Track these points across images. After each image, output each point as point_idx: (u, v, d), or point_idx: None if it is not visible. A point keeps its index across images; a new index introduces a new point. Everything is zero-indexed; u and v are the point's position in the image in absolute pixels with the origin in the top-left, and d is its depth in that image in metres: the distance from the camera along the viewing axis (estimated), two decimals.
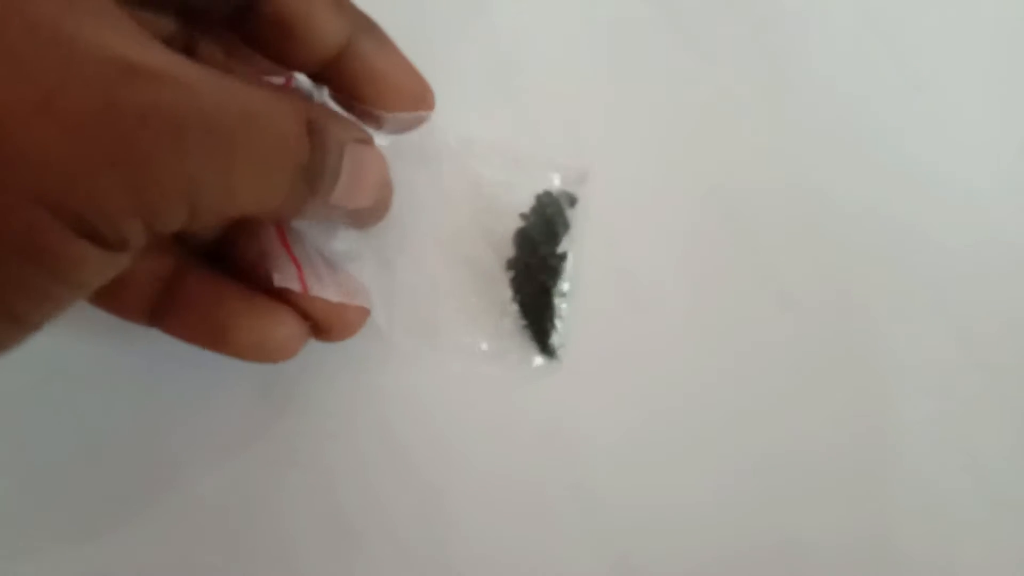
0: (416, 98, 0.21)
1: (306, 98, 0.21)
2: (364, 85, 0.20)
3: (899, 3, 0.29)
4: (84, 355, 0.25)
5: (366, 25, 0.20)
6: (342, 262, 0.24)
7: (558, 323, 0.25)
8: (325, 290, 0.22)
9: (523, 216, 0.26)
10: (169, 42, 0.19)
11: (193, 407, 0.25)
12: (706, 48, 0.28)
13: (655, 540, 0.25)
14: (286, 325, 0.21)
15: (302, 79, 0.21)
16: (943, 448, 0.26)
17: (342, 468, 0.25)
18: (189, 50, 0.21)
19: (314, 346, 0.22)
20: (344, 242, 0.24)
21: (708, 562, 0.25)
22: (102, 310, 0.21)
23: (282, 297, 0.21)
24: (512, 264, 0.26)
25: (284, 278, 0.21)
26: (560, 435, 0.25)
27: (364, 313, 0.23)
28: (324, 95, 0.21)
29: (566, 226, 0.26)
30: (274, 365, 0.21)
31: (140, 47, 0.14)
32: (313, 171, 0.18)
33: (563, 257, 0.26)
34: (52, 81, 0.13)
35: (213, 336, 0.21)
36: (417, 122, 0.22)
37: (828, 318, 0.26)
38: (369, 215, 0.24)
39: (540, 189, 0.26)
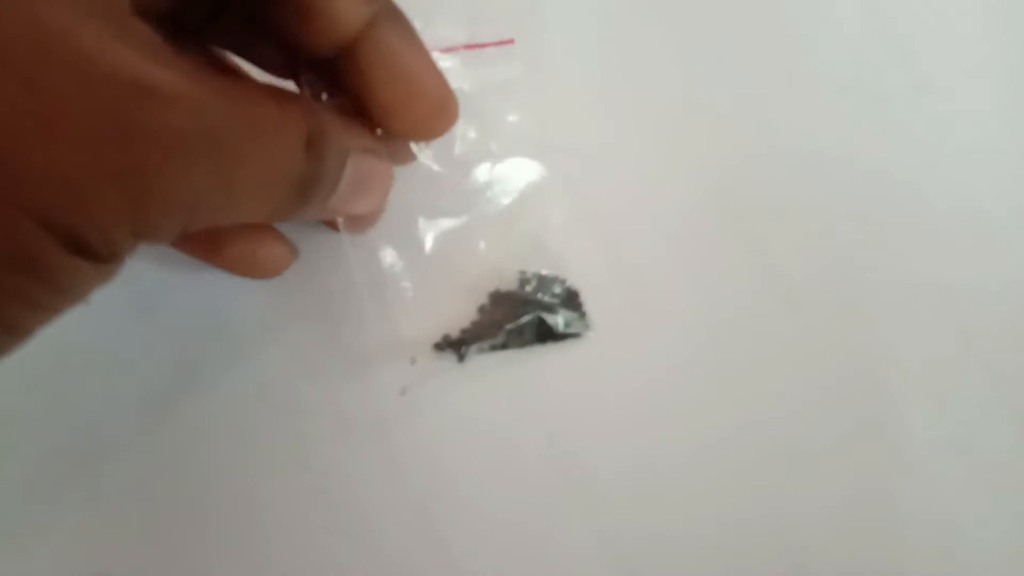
0: (436, 104, 0.20)
1: (312, 102, 0.20)
2: (379, 81, 0.19)
3: (904, 8, 0.29)
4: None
5: (392, 12, 0.19)
6: None
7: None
8: None
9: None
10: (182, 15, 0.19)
11: (194, 409, 0.24)
12: (715, 47, 0.28)
13: (654, 536, 0.25)
14: (274, 246, 0.23)
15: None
16: (945, 448, 0.25)
17: (342, 468, 0.24)
18: (207, 26, 0.20)
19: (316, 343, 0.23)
20: None
21: (708, 551, 0.25)
22: None
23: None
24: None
25: None
26: (560, 431, 0.25)
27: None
28: None
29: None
30: (277, 366, 0.23)
31: (152, 62, 0.14)
32: (307, 182, 0.18)
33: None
34: (61, 98, 0.13)
35: (209, 250, 0.23)
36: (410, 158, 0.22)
37: (832, 318, 0.26)
38: (361, 220, 0.24)
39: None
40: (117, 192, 0.14)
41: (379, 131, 0.21)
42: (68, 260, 0.14)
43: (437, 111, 0.20)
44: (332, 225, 0.24)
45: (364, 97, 0.20)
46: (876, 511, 0.25)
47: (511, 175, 0.26)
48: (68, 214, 0.13)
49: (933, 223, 0.27)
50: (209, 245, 0.23)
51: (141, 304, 0.25)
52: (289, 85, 0.22)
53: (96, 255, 0.14)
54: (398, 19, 0.19)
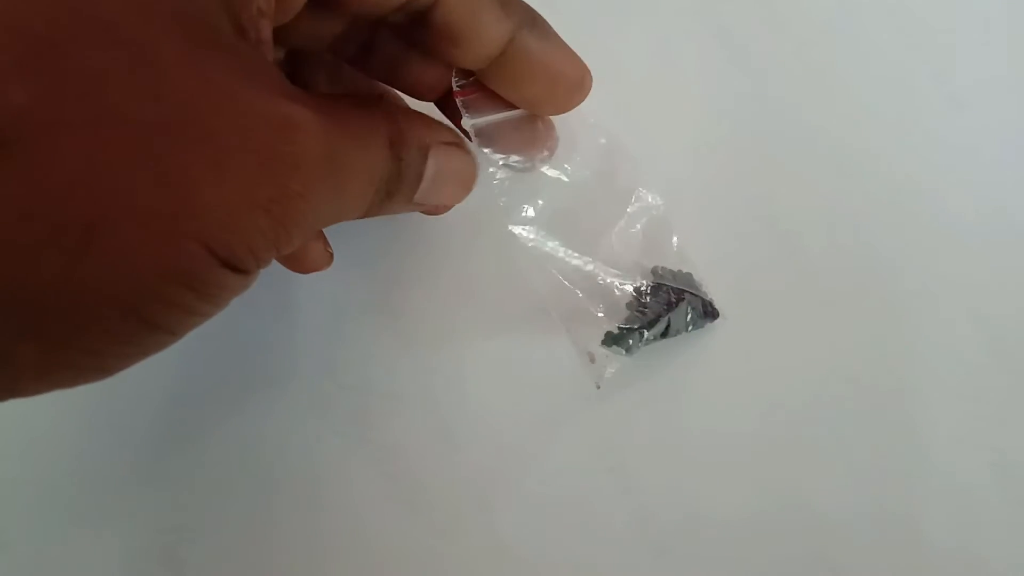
0: (573, 85, 0.22)
1: (390, 104, 0.22)
2: (525, 81, 0.21)
3: (939, 24, 0.31)
4: None
5: (530, 19, 0.21)
6: None
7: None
8: None
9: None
10: (347, 39, 0.22)
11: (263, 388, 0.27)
12: (753, 64, 0.31)
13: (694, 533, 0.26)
14: (320, 245, 0.25)
15: None
16: (969, 446, 0.27)
17: (402, 445, 0.27)
18: (368, 45, 0.23)
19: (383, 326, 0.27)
20: None
21: (740, 540, 0.26)
22: None
23: None
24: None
25: None
26: (601, 422, 0.27)
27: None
28: None
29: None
30: (341, 348, 0.27)
31: (290, 99, 0.16)
32: (392, 181, 0.20)
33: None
34: (228, 144, 0.15)
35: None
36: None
37: (862, 320, 0.28)
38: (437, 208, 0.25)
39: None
40: (268, 217, 0.16)
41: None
42: (222, 275, 0.16)
43: (575, 90, 0.22)
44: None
45: (511, 93, 0.22)
46: (903, 505, 0.27)
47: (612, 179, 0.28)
48: (229, 239, 0.15)
49: (961, 230, 0.29)
50: None
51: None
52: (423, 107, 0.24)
53: (244, 270, 0.16)
54: (535, 22, 0.21)
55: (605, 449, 0.27)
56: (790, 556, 0.26)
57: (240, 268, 0.16)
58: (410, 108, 0.23)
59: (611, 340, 0.26)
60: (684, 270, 0.28)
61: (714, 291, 0.28)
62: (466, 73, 0.22)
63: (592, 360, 0.25)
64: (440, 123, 0.22)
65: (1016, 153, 0.30)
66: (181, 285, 0.15)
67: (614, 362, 0.25)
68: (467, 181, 0.23)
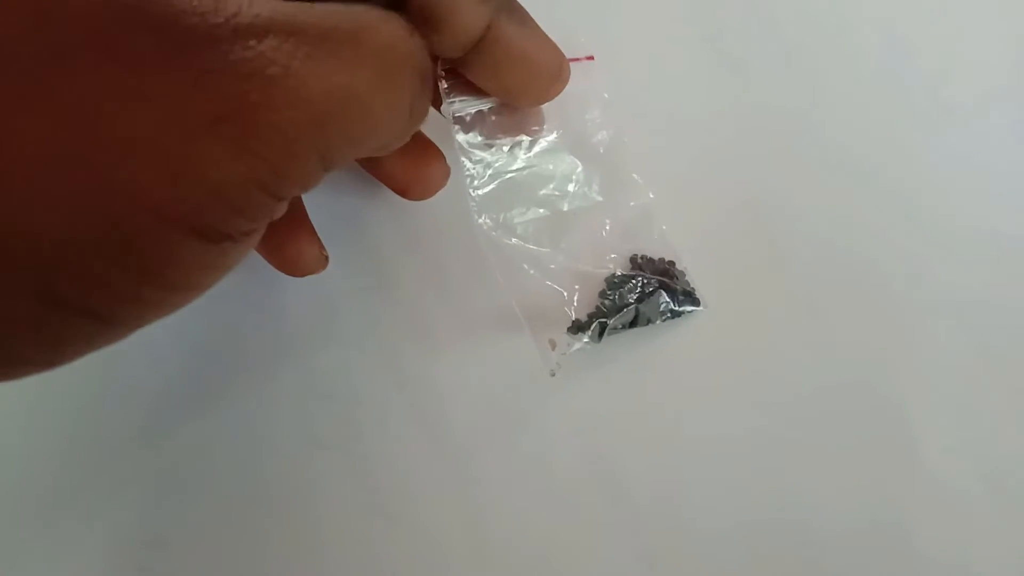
0: (551, 73, 0.22)
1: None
2: (503, 69, 0.21)
3: (929, 33, 0.31)
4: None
5: (508, 6, 0.20)
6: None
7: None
8: None
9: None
10: None
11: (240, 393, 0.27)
12: (744, 69, 0.31)
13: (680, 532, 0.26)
14: (309, 248, 0.25)
15: None
16: (960, 459, 0.26)
17: (378, 452, 0.26)
18: None
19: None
20: None
21: (728, 549, 0.25)
22: None
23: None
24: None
25: None
26: (591, 425, 0.26)
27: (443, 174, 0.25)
28: None
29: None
30: (320, 356, 0.27)
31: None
32: (415, 105, 0.18)
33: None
34: (144, 56, 0.13)
35: (269, 251, 0.25)
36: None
37: (852, 327, 0.28)
38: (423, 186, 0.25)
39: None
40: (220, 141, 0.14)
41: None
42: (177, 242, 0.14)
43: (553, 79, 0.22)
44: (403, 192, 0.26)
45: (489, 81, 0.21)
46: (893, 514, 0.26)
47: (600, 171, 0.28)
48: (165, 183, 0.13)
49: (952, 240, 0.29)
50: (270, 246, 0.25)
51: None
52: None
53: (215, 228, 0.14)
54: (513, 9, 0.20)
55: (594, 455, 0.26)
56: (778, 566, 0.25)
57: (206, 226, 0.14)
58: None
59: (576, 328, 0.26)
60: (667, 258, 0.28)
61: (699, 282, 0.28)
62: (446, 62, 0.22)
63: (552, 347, 0.25)
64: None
65: (1008, 161, 0.29)
66: (107, 257, 0.13)
67: (576, 349, 0.26)
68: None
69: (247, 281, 0.27)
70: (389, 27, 0.17)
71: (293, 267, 0.25)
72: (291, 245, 0.25)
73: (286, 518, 0.25)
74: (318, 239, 0.26)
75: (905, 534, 0.26)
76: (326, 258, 0.26)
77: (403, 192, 0.26)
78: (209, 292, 0.16)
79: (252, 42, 0.14)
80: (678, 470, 0.26)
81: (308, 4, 0.16)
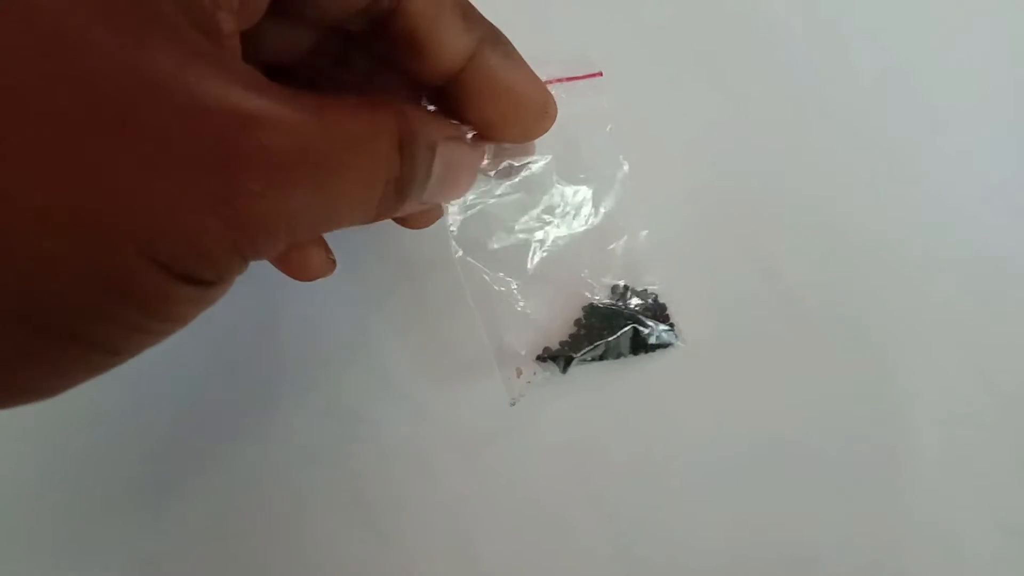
0: (536, 110, 0.21)
1: (402, 103, 0.21)
2: (487, 100, 0.21)
3: (919, 55, 0.31)
4: None
5: (492, 37, 0.20)
6: None
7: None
8: None
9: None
10: (318, 53, 0.22)
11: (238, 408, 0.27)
12: (737, 89, 0.30)
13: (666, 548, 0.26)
14: (318, 255, 0.25)
15: None
16: (952, 468, 0.27)
17: (372, 470, 0.27)
18: (341, 59, 0.22)
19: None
20: None
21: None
22: None
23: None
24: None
25: None
26: (579, 447, 0.27)
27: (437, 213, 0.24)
28: None
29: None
30: (316, 373, 0.27)
31: (252, 92, 0.15)
32: (404, 181, 0.19)
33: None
34: (162, 134, 0.13)
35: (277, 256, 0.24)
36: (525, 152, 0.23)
37: (846, 345, 0.28)
38: (424, 217, 0.25)
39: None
40: (218, 219, 0.14)
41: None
42: (173, 288, 0.14)
43: (538, 116, 0.22)
44: (403, 222, 0.25)
45: (472, 113, 0.21)
46: (885, 531, 0.26)
47: (598, 196, 0.28)
48: (171, 244, 0.14)
49: (943, 254, 0.29)
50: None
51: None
52: None
53: (201, 280, 0.15)
54: (498, 40, 0.20)
55: (582, 477, 0.27)
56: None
57: (195, 278, 0.15)
58: (417, 105, 0.22)
59: (546, 355, 0.27)
60: (650, 290, 0.28)
61: (681, 316, 0.27)
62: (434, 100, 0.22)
63: (518, 375, 0.26)
64: (442, 118, 0.21)
65: (995, 176, 0.29)
66: (119, 301, 0.14)
67: (542, 379, 0.26)
68: (471, 175, 0.22)
69: (239, 303, 0.28)
70: (375, 146, 0.18)
71: (301, 271, 0.25)
72: (298, 249, 0.25)
73: (280, 534, 0.26)
74: (325, 243, 0.25)
75: (895, 551, 0.26)
76: (333, 262, 0.25)
77: (402, 222, 0.26)
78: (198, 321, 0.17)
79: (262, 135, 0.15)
80: (663, 499, 0.27)
81: (309, 104, 0.16)
